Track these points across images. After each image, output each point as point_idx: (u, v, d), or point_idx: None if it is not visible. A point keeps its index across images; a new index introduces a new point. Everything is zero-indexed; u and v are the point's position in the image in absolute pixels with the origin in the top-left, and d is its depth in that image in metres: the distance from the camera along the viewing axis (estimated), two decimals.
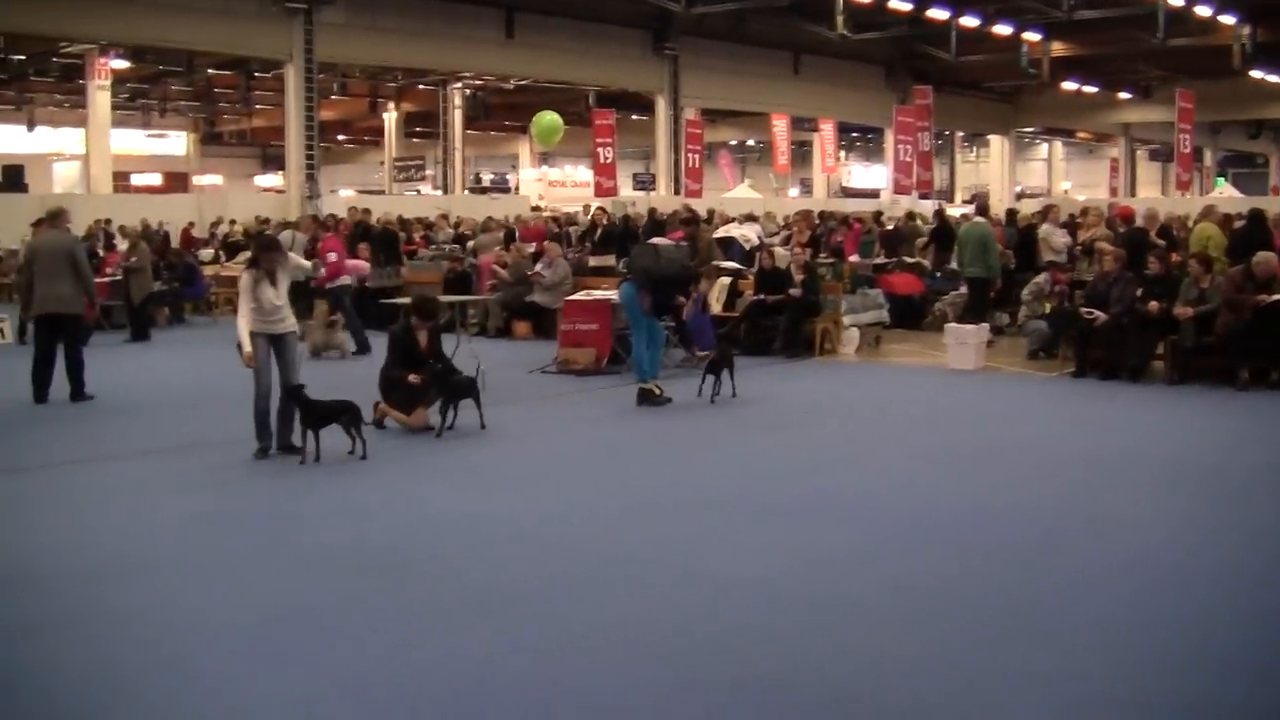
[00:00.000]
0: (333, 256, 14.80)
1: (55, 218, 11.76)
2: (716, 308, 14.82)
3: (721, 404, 10.74)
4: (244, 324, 8.30)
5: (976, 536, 6.40)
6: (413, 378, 9.34)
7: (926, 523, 6.67)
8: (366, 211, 21.42)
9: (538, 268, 16.73)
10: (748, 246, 18.01)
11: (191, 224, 27.53)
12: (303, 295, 17.51)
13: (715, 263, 16.27)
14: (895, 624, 5.02)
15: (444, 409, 9.37)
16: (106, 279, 17.42)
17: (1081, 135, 57.15)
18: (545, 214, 28.89)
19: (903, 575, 5.71)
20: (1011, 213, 21.42)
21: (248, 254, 21.39)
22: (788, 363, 13.80)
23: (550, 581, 5.63)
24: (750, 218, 24.23)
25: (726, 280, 15.34)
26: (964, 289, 16.41)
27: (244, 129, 49.99)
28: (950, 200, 47.08)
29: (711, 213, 25.80)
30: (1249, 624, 5.05)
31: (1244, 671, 4.53)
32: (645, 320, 10.94)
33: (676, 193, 34.73)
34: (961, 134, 54.11)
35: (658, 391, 10.70)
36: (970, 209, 19.50)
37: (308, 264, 9.53)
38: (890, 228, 22.39)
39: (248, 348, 8.25)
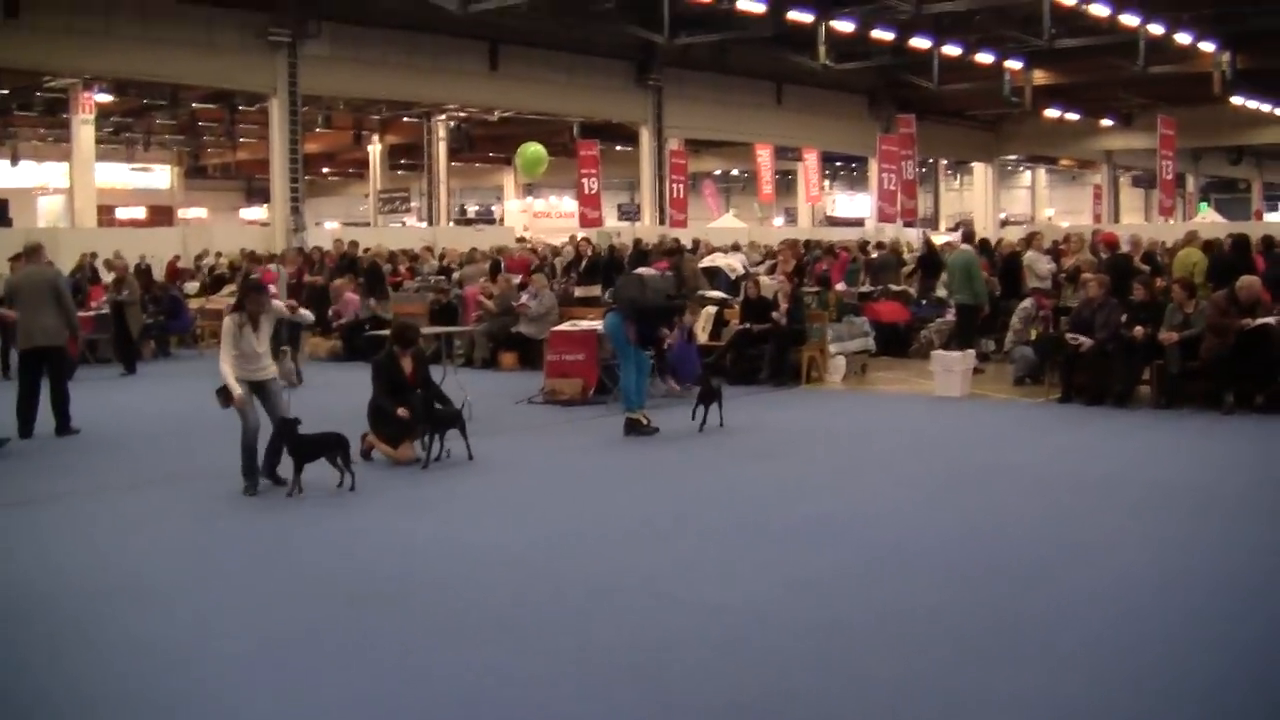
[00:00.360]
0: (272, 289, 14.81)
1: (33, 253, 11.80)
2: (703, 337, 14.88)
3: (709, 433, 10.80)
4: (228, 368, 8.32)
5: (963, 561, 6.46)
6: (401, 412, 9.36)
7: (913, 548, 6.73)
8: (354, 244, 21.48)
9: (523, 298, 16.80)
10: (733, 276, 18.10)
11: (177, 257, 27.52)
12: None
13: (701, 292, 16.37)
14: (882, 647, 5.07)
15: (429, 440, 9.39)
16: (92, 313, 17.42)
17: (1064, 162, 57.66)
18: (529, 245, 29.00)
19: (889, 599, 5.75)
20: (985, 242, 21.59)
21: (233, 287, 21.81)
22: (774, 391, 13.87)
23: (539, 608, 5.67)
24: (735, 247, 24.41)
25: (712, 309, 15.42)
26: (950, 316, 16.52)
27: (228, 162, 50.02)
28: (935, 228, 47.42)
29: (697, 243, 25.93)
30: (1235, 647, 5.10)
31: (1230, 694, 4.58)
32: (632, 350, 11.01)
33: (661, 223, 34.90)
34: (945, 162, 54.55)
35: (645, 421, 10.75)
36: (954, 237, 19.66)
37: (287, 310, 9.36)
38: (874, 256, 22.56)
39: (236, 390, 8.26)
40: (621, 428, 10.78)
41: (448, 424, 9.52)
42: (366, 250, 22.37)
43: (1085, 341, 12.26)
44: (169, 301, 19.76)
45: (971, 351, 14.26)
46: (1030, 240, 18.79)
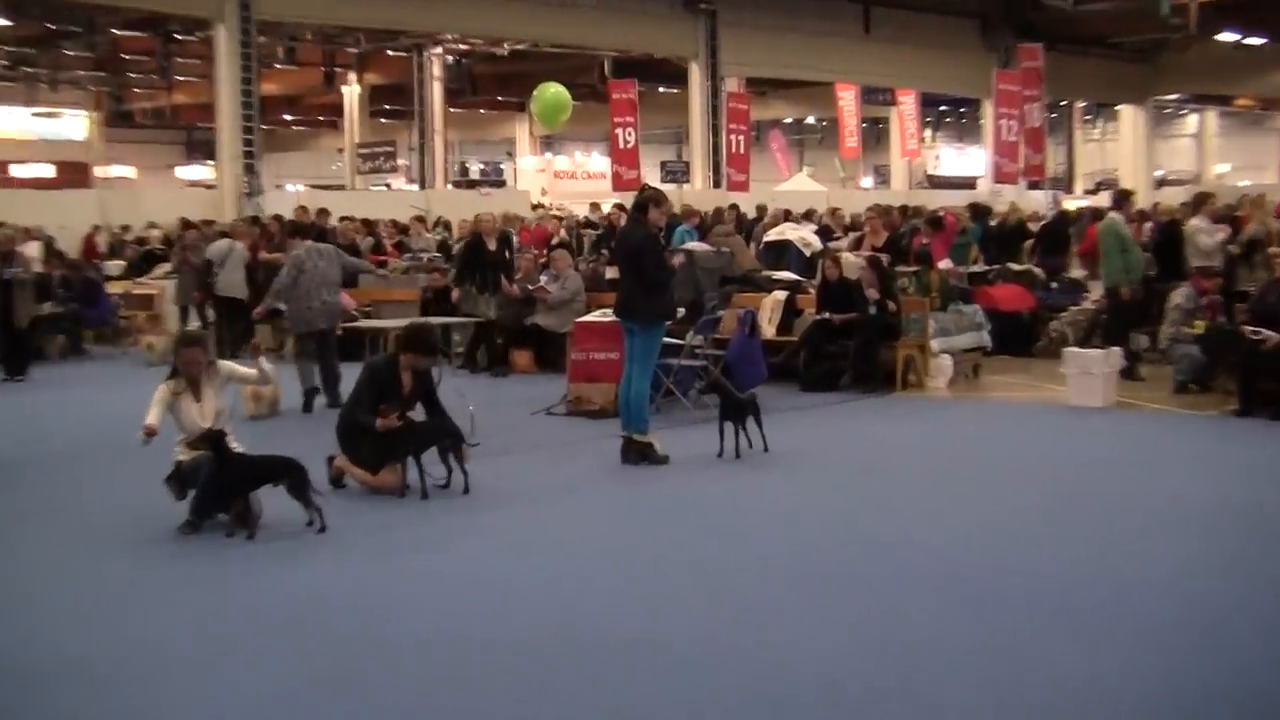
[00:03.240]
0: None
1: None
2: (769, 331, 14.87)
3: (763, 459, 10.73)
4: (156, 408, 8.48)
5: (1121, 620, 6.42)
6: (380, 423, 9.38)
7: (1045, 601, 6.68)
8: (324, 213, 21.61)
9: (542, 281, 16.84)
10: (808, 252, 18.06)
11: (95, 228, 27.72)
12: (238, 318, 17.88)
13: (766, 273, 16.36)
14: None
15: (406, 461, 9.41)
16: None
17: (1242, 102, 57.03)
18: (550, 213, 29.09)
19: (1029, 669, 5.72)
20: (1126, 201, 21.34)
21: (168, 266, 21.86)
22: (860, 400, 13.86)
23: (562, 672, 5.70)
24: (810, 216, 24.36)
25: (781, 296, 15.41)
26: (1089, 302, 16.40)
27: (161, 107, 50.32)
28: (1068, 190, 47.11)
29: (762, 210, 25.92)
30: None
31: None
32: (639, 345, 10.87)
33: (716, 185, 34.89)
34: (1082, 104, 54.13)
35: (656, 447, 10.72)
36: (1096, 200, 19.50)
37: (252, 371, 9.22)
38: (993, 224, 22.45)
39: (150, 419, 8.36)
40: (621, 449, 10.71)
41: (429, 441, 9.56)
42: (344, 220, 22.48)
43: (1271, 337, 12.13)
44: (83, 285, 19.84)
45: (1118, 349, 14.15)
46: (1198, 204, 18.55)
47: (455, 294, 16.74)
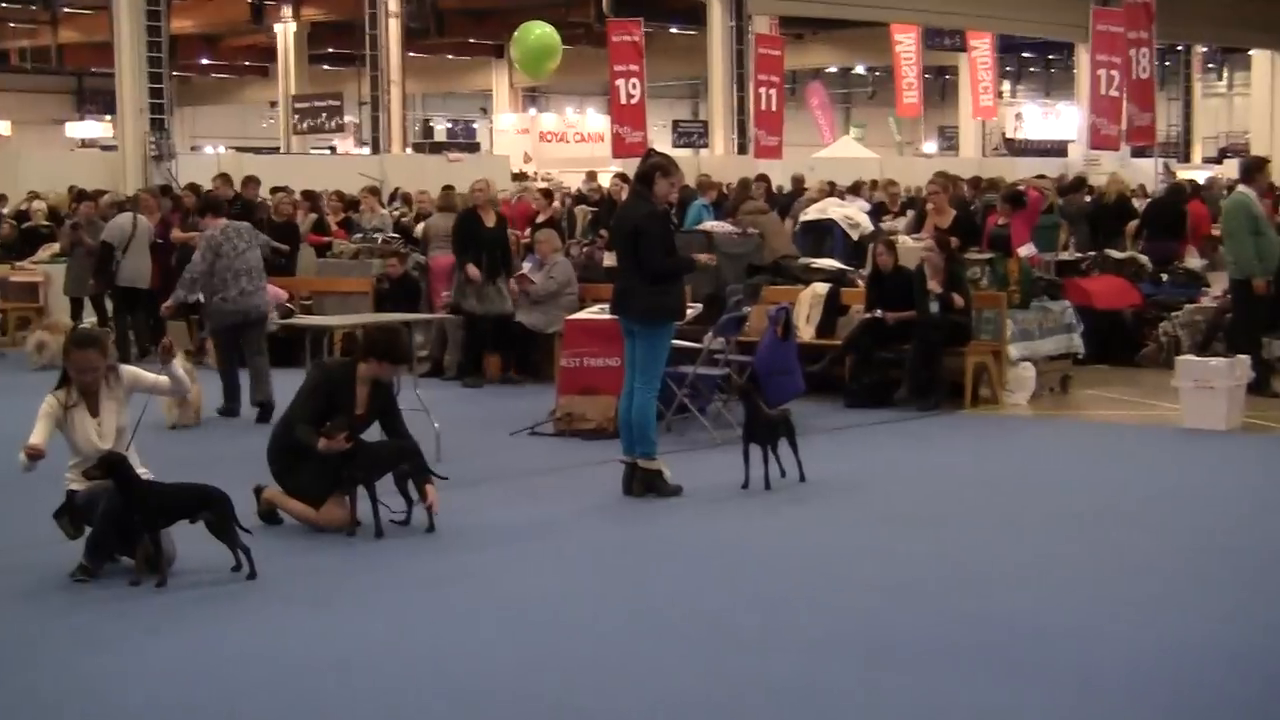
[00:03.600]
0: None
1: None
2: (807, 332, 14.89)
3: (799, 491, 10.78)
4: (43, 424, 8.51)
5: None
6: (322, 444, 9.38)
7: (1192, 689, 6.68)
8: (251, 182, 21.67)
9: (525, 269, 16.88)
10: (855, 235, 18.08)
11: None
12: (144, 312, 17.94)
13: (803, 261, 16.38)
14: None
15: (353, 490, 9.46)
16: None
17: None
18: (534, 185, 29.14)
19: None
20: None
21: (55, 249, 21.81)
22: (919, 419, 13.89)
23: None
24: (858, 189, 24.41)
25: (821, 289, 15.42)
26: (1209, 299, 16.42)
27: (44, 46, 50.17)
28: (1184, 158, 47.15)
29: (799, 181, 25.98)
30: None
31: None
32: (641, 351, 10.92)
33: (742, 150, 34.96)
34: (1203, 49, 54.15)
35: (666, 475, 10.80)
36: (1218, 171, 19.52)
37: (163, 378, 9.08)
38: (1088, 200, 22.49)
39: (34, 438, 8.40)
40: (626, 482, 10.78)
41: (383, 466, 9.60)
42: (277, 191, 22.51)
43: None
44: None
45: (1246, 358, 14.17)
46: None
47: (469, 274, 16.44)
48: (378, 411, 9.94)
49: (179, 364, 9.28)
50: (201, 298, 14.28)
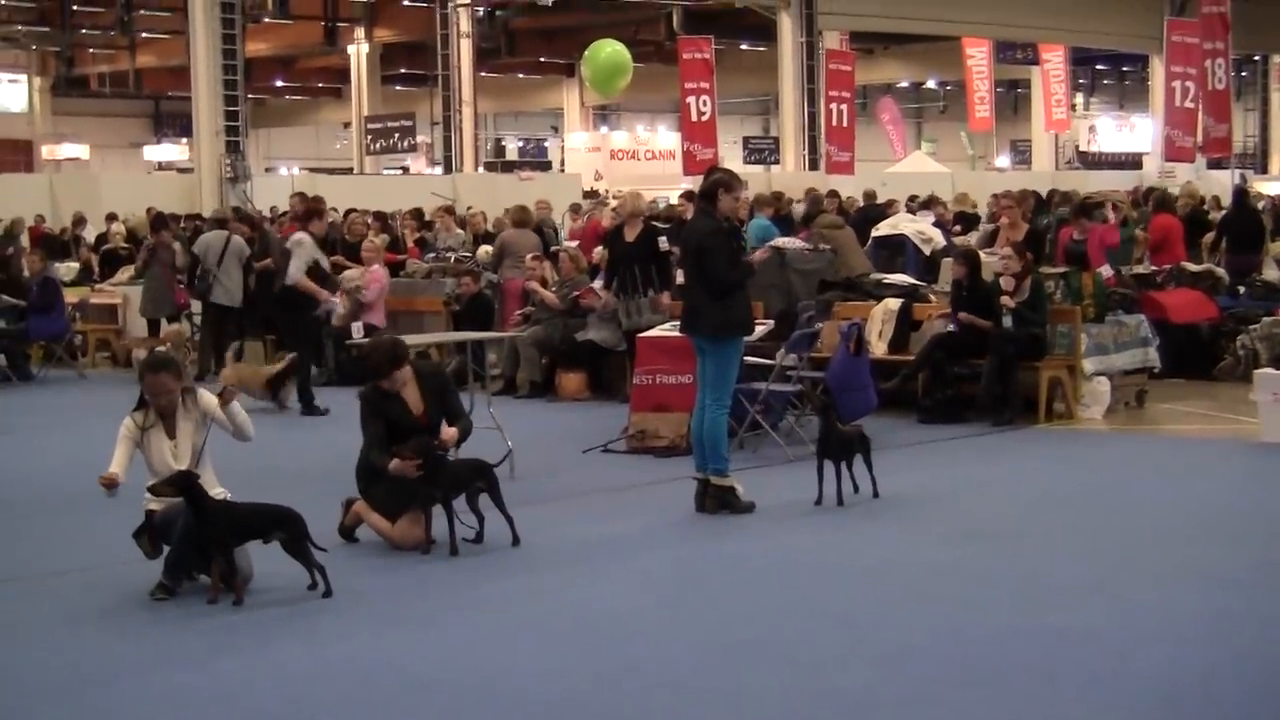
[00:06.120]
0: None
1: None
2: (879, 348, 14.83)
3: (873, 507, 10.75)
4: (122, 448, 8.63)
5: None
6: (394, 465, 9.42)
7: (1246, 691, 6.64)
8: (318, 201, 21.80)
9: (595, 286, 16.88)
10: (927, 250, 17.99)
11: (41, 220, 27.92)
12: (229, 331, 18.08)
13: (875, 276, 16.31)
14: None
15: (429, 508, 9.47)
16: None
17: None
18: (607, 202, 29.13)
19: None
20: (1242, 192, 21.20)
21: (131, 270, 21.86)
22: (993, 434, 13.81)
23: None
24: (930, 205, 24.28)
25: (895, 304, 15.36)
26: None
27: (123, 71, 50.52)
28: (1262, 169, 46.67)
29: (871, 196, 25.88)
30: None
31: None
32: (711, 367, 10.88)
33: (813, 166, 34.89)
34: None
35: (739, 492, 10.77)
36: None
37: (225, 418, 8.98)
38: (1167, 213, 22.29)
39: (113, 465, 8.51)
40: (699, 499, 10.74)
41: (462, 485, 9.62)
42: (351, 213, 22.60)
43: None
44: (38, 291, 19.70)
45: None
46: None
47: (605, 301, 16.13)
48: (434, 402, 9.93)
49: (238, 407, 9.14)
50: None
